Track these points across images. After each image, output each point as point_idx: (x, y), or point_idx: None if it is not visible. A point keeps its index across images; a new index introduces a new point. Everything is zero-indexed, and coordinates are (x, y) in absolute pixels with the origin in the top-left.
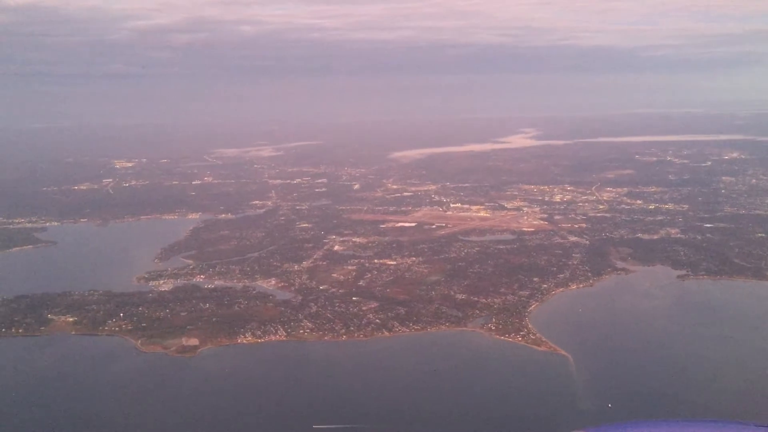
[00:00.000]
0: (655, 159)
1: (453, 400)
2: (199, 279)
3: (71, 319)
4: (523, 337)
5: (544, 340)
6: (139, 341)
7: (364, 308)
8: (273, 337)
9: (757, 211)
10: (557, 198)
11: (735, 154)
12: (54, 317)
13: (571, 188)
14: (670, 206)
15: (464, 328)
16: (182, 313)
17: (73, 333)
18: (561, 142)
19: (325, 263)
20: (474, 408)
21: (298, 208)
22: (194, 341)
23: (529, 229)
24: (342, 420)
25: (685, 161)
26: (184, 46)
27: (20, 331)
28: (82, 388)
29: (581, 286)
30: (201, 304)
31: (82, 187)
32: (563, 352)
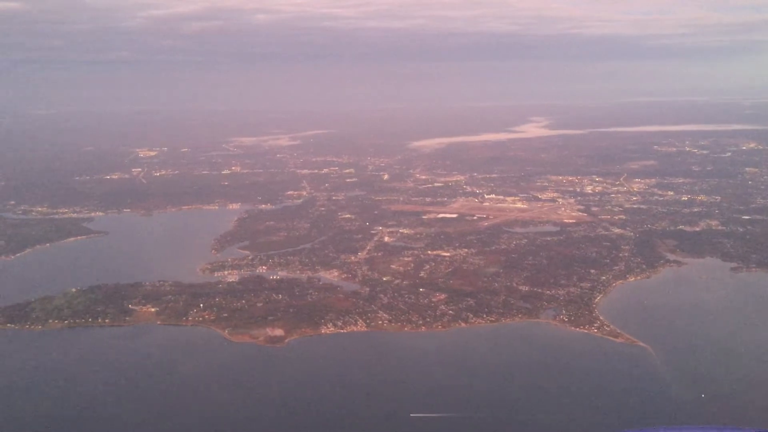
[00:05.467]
0: (674, 149)
1: (545, 391)
2: (261, 270)
3: (153, 309)
4: (597, 328)
5: (619, 331)
6: (226, 331)
7: (433, 300)
8: (353, 328)
9: None
10: (588, 189)
11: (752, 145)
12: (135, 307)
13: (600, 179)
14: (702, 198)
15: (537, 320)
16: (258, 304)
17: (158, 323)
18: (575, 132)
19: (380, 254)
20: (567, 398)
21: (334, 198)
22: (279, 331)
23: (570, 221)
24: (438, 409)
25: (705, 152)
26: (195, 33)
27: (106, 321)
28: (193, 377)
29: (639, 278)
30: (274, 295)
31: (113, 177)
32: (642, 344)
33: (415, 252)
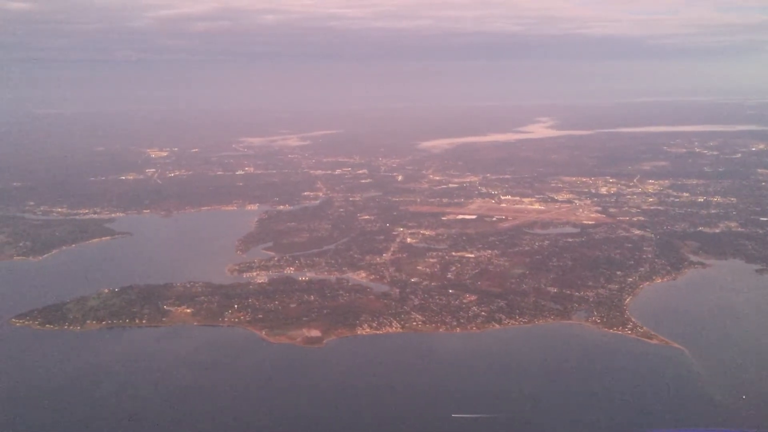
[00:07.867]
0: (684, 150)
1: (586, 392)
2: (289, 271)
3: (189, 310)
4: (631, 330)
5: (653, 333)
6: (263, 332)
7: (464, 301)
8: (389, 329)
9: None
10: (603, 190)
11: (762, 146)
12: (170, 308)
13: (614, 180)
14: (718, 199)
15: (570, 321)
16: (292, 305)
17: (195, 324)
18: (583, 132)
19: (405, 255)
20: (608, 399)
21: (351, 199)
22: (316, 332)
23: (589, 222)
24: (479, 409)
25: (715, 153)
26: (200, 33)
27: (143, 321)
28: (241, 378)
29: (665, 279)
30: (306, 296)
31: (128, 177)
32: (677, 346)
33: (440, 253)
